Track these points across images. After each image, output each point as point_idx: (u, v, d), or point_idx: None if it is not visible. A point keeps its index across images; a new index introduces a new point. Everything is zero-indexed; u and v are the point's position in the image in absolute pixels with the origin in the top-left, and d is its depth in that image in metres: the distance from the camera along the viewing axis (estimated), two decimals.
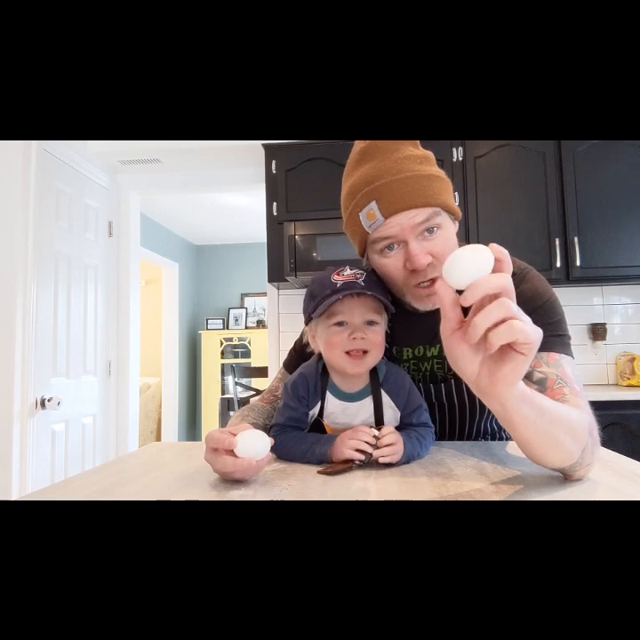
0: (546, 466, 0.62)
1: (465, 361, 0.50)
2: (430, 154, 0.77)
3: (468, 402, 0.86)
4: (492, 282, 0.45)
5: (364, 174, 0.75)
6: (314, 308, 0.74)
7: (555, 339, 0.75)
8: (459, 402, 0.86)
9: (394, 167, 0.72)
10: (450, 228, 0.76)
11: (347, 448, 0.69)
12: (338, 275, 0.75)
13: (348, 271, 0.75)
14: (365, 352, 0.73)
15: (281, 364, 1.00)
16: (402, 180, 0.72)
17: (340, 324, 0.74)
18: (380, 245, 0.75)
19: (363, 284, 0.73)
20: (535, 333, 0.47)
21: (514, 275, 0.75)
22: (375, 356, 0.75)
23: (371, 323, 0.74)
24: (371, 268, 0.81)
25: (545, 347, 0.70)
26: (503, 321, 0.45)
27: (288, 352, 0.99)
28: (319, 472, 0.67)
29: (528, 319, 0.48)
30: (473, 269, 0.45)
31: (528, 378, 0.71)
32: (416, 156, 0.74)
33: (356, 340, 0.73)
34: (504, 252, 0.47)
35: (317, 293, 0.75)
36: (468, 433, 0.90)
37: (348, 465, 0.68)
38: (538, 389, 0.68)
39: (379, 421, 0.77)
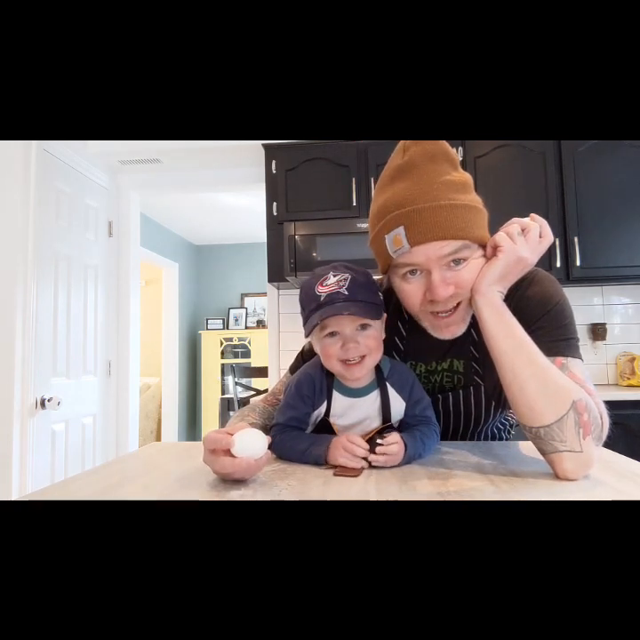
0: (519, 416, 0.67)
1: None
2: (468, 178, 0.73)
3: (474, 410, 0.86)
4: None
5: (397, 195, 0.71)
6: (304, 322, 0.75)
7: (562, 343, 0.74)
8: (465, 409, 0.87)
9: (429, 193, 0.68)
10: (478, 260, 0.72)
11: (342, 457, 0.69)
12: (321, 286, 0.72)
13: (331, 279, 0.72)
14: (362, 357, 0.73)
15: (281, 365, 0.99)
16: (434, 209, 0.68)
17: (332, 334, 0.73)
18: (403, 270, 0.72)
19: (346, 292, 0.71)
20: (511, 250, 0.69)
21: (522, 279, 0.74)
22: (373, 358, 0.75)
23: (364, 326, 0.73)
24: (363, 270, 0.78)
25: (552, 351, 0.71)
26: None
27: (295, 357, 0.97)
28: (335, 474, 0.68)
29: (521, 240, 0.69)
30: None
31: None
32: (453, 182, 0.70)
33: (349, 350, 0.72)
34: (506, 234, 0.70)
35: (305, 306, 0.74)
36: (470, 439, 0.92)
37: (358, 472, 0.68)
38: None
39: (386, 414, 0.77)
